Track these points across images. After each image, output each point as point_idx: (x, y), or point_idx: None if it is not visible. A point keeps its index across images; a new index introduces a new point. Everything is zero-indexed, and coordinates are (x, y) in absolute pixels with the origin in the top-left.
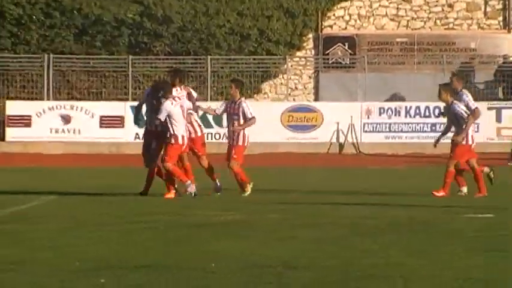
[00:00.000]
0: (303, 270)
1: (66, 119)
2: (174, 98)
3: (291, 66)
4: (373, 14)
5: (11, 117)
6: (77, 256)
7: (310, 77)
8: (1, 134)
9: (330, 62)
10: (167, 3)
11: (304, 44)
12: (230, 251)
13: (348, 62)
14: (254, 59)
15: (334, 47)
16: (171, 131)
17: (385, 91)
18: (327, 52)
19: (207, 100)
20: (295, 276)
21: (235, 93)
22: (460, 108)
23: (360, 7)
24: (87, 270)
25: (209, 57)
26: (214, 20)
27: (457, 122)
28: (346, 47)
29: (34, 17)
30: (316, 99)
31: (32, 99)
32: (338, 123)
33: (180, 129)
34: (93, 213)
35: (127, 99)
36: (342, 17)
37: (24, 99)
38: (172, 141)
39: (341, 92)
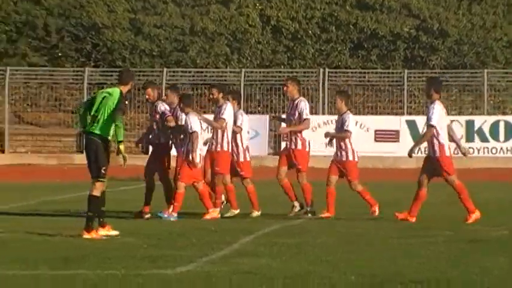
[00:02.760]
0: None
1: None
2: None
3: None
4: None
5: None
6: (352, 271)
7: None
8: (277, 148)
9: None
10: (443, 17)
11: None
12: (507, 267)
13: None
14: None
15: None
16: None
17: None
18: None
19: (483, 114)
20: None
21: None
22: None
23: None
24: (361, 284)
25: (486, 70)
26: (491, 33)
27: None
28: None
29: (310, 31)
30: None
31: None
32: None
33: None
34: (367, 229)
35: (402, 114)
36: None
37: None
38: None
39: None
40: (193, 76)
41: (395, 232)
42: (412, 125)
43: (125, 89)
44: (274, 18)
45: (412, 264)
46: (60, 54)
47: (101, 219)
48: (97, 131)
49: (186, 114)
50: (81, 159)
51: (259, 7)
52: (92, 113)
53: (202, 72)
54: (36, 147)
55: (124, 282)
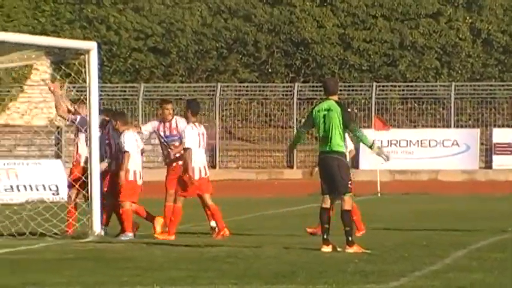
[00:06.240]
0: None
1: None
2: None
3: None
4: None
5: (498, 145)
6: None
7: None
8: (488, 161)
9: None
10: None
11: None
12: None
13: None
14: None
15: None
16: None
17: None
18: None
19: None
20: None
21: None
22: None
23: None
24: None
25: None
26: None
27: None
28: None
29: None
30: None
31: None
32: None
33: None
34: None
35: None
36: None
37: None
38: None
39: None
40: (402, 90)
41: None
42: None
43: (335, 97)
44: (484, 31)
45: None
46: (270, 70)
47: (325, 236)
48: (333, 149)
49: (121, 132)
50: (290, 174)
51: (470, 20)
52: (321, 135)
53: (412, 86)
54: (246, 163)
55: None
